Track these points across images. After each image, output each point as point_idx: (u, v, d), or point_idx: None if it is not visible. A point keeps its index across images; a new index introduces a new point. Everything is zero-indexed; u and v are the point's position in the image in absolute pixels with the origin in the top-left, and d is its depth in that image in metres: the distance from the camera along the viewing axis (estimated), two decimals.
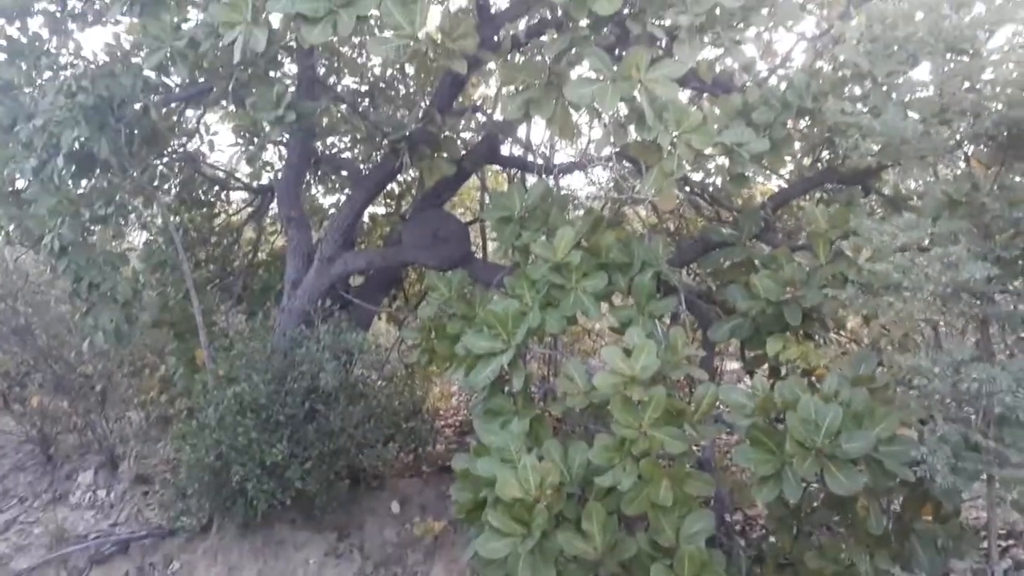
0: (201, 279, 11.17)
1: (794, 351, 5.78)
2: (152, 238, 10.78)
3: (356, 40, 10.01)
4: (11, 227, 9.05)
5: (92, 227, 8.62)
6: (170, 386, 10.19)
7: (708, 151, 5.74)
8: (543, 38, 8.19)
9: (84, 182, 8.69)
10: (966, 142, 4.67)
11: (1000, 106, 4.33)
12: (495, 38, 8.11)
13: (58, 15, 9.57)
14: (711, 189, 8.82)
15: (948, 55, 4.66)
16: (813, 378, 6.03)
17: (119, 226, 9.02)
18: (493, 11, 8.07)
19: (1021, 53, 4.40)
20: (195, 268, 11.35)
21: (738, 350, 8.22)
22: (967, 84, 4.59)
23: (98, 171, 8.47)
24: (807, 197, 7.98)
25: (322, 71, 10.00)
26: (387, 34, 5.94)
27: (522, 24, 8.45)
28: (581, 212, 7.81)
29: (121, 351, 9.89)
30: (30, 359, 10.50)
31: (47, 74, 9.45)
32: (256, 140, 9.48)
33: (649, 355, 5.36)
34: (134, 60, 9.28)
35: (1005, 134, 4.36)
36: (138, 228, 11.10)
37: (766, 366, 6.80)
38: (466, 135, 10.19)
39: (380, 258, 9.23)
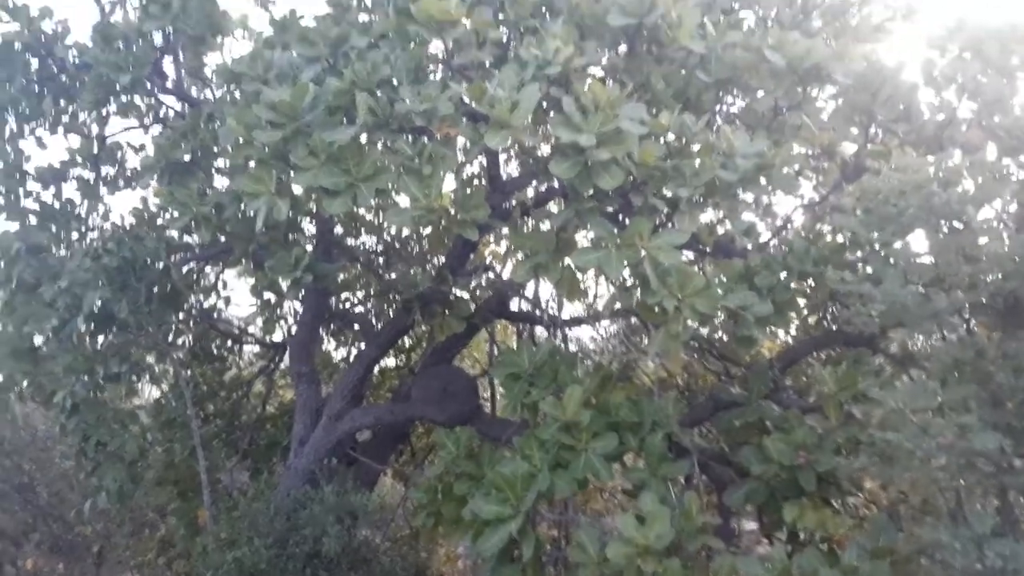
0: (208, 434, 11.10)
1: (811, 518, 5.61)
2: (163, 393, 10.84)
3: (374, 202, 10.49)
4: (25, 383, 9.16)
5: (105, 384, 8.71)
6: (169, 547, 9.89)
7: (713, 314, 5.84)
8: (551, 205, 8.60)
9: (101, 339, 8.89)
10: (965, 309, 4.76)
11: (996, 277, 4.46)
12: (505, 204, 8.51)
13: (91, 181, 10.17)
14: (718, 344, 8.88)
15: (942, 224, 4.84)
16: (833, 544, 5.82)
17: (132, 383, 9.12)
18: (504, 179, 8.53)
19: (1012, 226, 4.58)
20: (203, 423, 11.30)
21: (755, 510, 7.98)
22: (962, 255, 4.74)
23: (115, 329, 8.65)
24: (815, 355, 8.02)
25: (339, 229, 10.40)
26: (404, 204, 6.28)
27: (530, 191, 8.91)
28: (590, 366, 7.85)
29: (122, 511, 9.69)
30: (29, 518, 10.29)
31: (75, 235, 9.91)
32: (273, 299, 9.78)
33: (663, 523, 5.23)
34: (159, 222, 9.78)
35: (1002, 303, 4.46)
36: (150, 383, 11.20)
37: (784, 530, 6.58)
38: (476, 290, 10.44)
39: (388, 414, 9.21)
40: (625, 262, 5.69)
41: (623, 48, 6.60)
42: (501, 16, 6.51)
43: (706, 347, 9.11)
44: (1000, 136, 5.69)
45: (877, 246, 5.71)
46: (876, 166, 6.22)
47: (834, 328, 7.24)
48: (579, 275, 6.62)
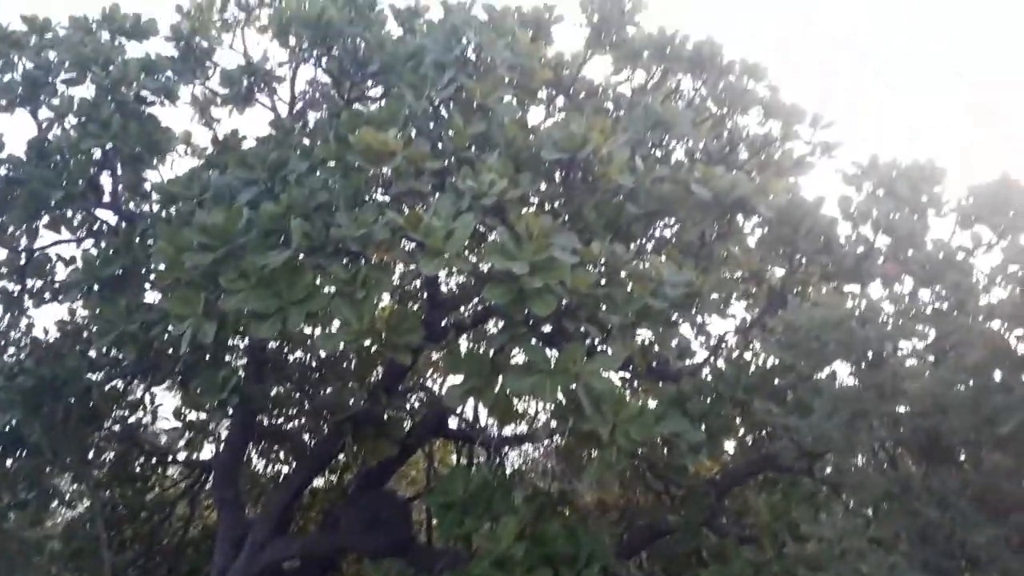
0: (123, 562, 10.40)
1: None
2: (76, 516, 10.18)
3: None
4: None
5: (10, 511, 8.14)
6: None
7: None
8: (488, 324, 8.62)
9: (9, 462, 8.36)
10: (888, 443, 4.83)
11: (915, 413, 4.56)
12: (442, 322, 8.49)
13: (15, 294, 9.82)
14: (656, 465, 8.79)
15: (862, 360, 4.97)
16: None
17: (40, 510, 8.53)
18: (442, 296, 8.55)
19: (928, 364, 4.73)
20: (120, 549, 10.61)
21: None
22: (882, 391, 4.86)
23: (26, 452, 8.15)
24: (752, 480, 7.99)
25: (272, 344, 10.18)
26: (335, 328, 6.19)
27: (467, 308, 8.93)
28: (526, 491, 7.67)
29: None
30: None
31: None
32: (199, 416, 9.40)
33: None
34: (84, 335, 9.42)
35: (924, 438, 4.54)
36: (63, 508, 10.51)
37: None
38: (412, 408, 10.23)
39: (315, 544, 8.78)
40: (559, 387, 5.66)
41: (557, 179, 6.81)
42: (440, 146, 6.68)
43: (643, 468, 9.01)
44: (914, 269, 5.97)
45: (804, 373, 5.83)
46: (800, 294, 6.43)
47: (766, 452, 7.25)
48: (514, 398, 6.56)
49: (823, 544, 4.53)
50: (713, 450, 6.13)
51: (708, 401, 6.20)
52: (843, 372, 5.79)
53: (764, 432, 7.32)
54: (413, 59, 7.47)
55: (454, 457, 12.14)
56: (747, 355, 7.44)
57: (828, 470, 6.99)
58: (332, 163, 6.74)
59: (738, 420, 6.63)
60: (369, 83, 8.80)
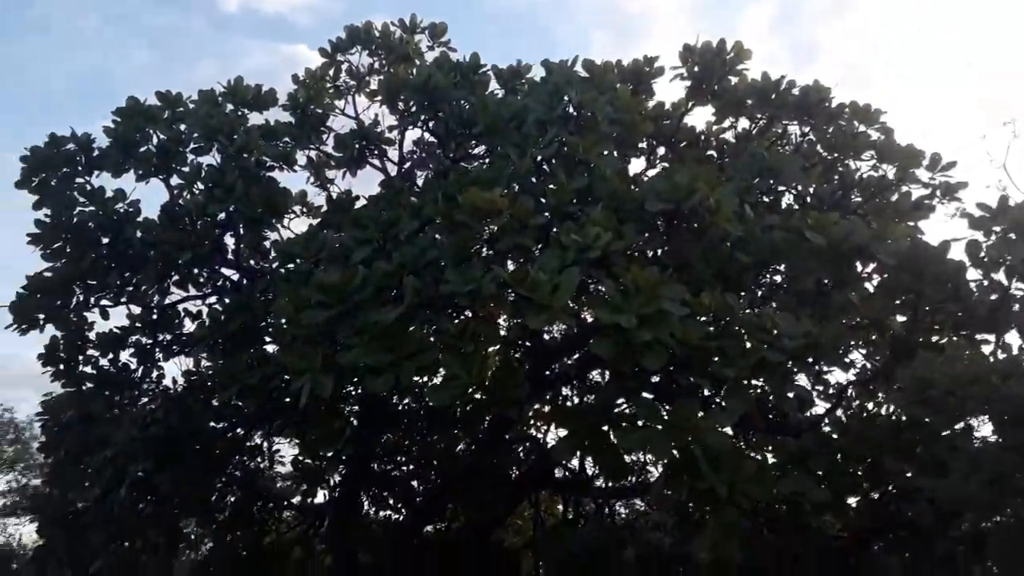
0: None
1: None
2: (200, 559, 10.60)
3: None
4: (63, 551, 9.05)
5: (143, 555, 8.57)
6: None
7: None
8: (593, 373, 8.55)
9: (141, 507, 8.82)
10: None
11: None
12: (546, 372, 8.48)
13: (148, 347, 10.49)
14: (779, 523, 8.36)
15: (1005, 417, 4.63)
16: None
17: (169, 553, 8.95)
18: (545, 349, 8.54)
19: None
20: None
21: None
22: None
23: (156, 499, 8.60)
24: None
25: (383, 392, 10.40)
26: (444, 382, 6.28)
27: (570, 360, 8.89)
28: (638, 548, 7.46)
29: None
30: None
31: (125, 401, 10.09)
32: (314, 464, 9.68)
33: None
34: (208, 385, 9.92)
35: None
36: (187, 551, 10.99)
37: None
38: (519, 458, 10.20)
39: None
40: (672, 444, 5.52)
41: (661, 230, 6.74)
42: (543, 201, 6.76)
43: (762, 525, 8.60)
44: None
45: (939, 432, 5.46)
46: (926, 344, 6.08)
47: (895, 511, 6.79)
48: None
49: None
50: (838, 509, 5.80)
51: (832, 457, 5.88)
52: (980, 429, 5.43)
53: (892, 489, 6.86)
54: (515, 119, 7.64)
55: (560, 507, 11.99)
56: (871, 407, 7.03)
57: (965, 528, 6.51)
58: (439, 221, 6.93)
59: (864, 478, 6.25)
60: (473, 143, 9.07)
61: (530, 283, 5.63)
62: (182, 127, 9.18)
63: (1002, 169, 7.33)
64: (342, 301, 6.23)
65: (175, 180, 9.23)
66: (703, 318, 5.92)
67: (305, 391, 6.30)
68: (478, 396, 6.16)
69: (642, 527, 8.91)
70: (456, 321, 6.19)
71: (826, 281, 6.72)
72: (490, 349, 6.22)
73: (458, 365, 5.92)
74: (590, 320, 7.16)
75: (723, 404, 5.80)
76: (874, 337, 7.04)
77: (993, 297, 5.90)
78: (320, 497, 11.25)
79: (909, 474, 5.31)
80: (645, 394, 5.97)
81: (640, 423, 5.81)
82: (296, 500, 12.13)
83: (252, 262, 10.33)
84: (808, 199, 7.48)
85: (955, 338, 6.10)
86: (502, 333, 6.97)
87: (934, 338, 6.26)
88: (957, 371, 4.62)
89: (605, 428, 6.11)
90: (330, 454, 7.53)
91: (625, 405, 6.16)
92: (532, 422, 10.76)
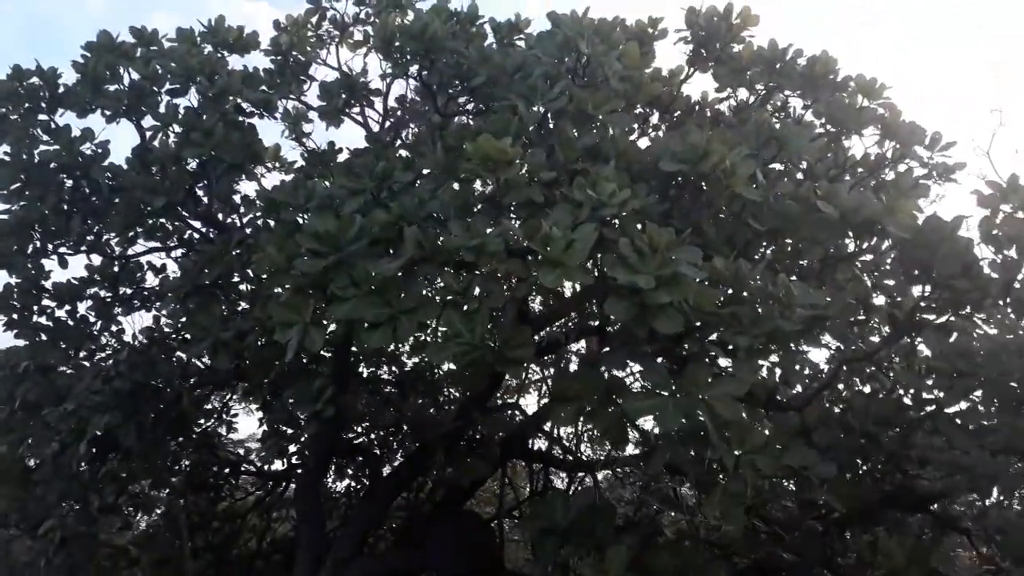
0: (196, 570, 10.32)
1: None
2: (153, 523, 10.16)
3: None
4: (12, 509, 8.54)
5: (99, 516, 8.10)
6: None
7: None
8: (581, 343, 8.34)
9: (98, 466, 8.34)
10: None
11: None
12: (535, 338, 8.23)
13: (107, 300, 9.92)
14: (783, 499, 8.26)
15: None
16: None
17: (127, 515, 8.51)
18: (531, 315, 8.30)
19: None
20: (193, 558, 10.54)
21: None
22: None
23: (118, 457, 8.14)
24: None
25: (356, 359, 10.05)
26: (445, 340, 5.98)
27: (560, 327, 8.68)
28: (623, 520, 7.32)
29: None
30: None
31: (83, 355, 9.55)
32: (286, 431, 9.31)
33: None
34: (171, 344, 9.44)
35: None
36: (141, 514, 10.52)
37: None
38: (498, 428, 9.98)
39: (400, 562, 8.52)
40: (683, 413, 5.34)
41: (671, 193, 6.54)
42: (549, 157, 6.48)
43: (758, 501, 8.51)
44: None
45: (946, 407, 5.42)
46: (934, 321, 6.02)
47: (890, 489, 6.78)
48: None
49: None
50: (844, 486, 5.72)
51: (835, 433, 5.80)
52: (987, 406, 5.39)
53: (893, 466, 6.84)
54: (520, 71, 7.34)
55: (527, 479, 11.84)
56: (873, 384, 6.99)
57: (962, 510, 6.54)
58: (440, 173, 6.61)
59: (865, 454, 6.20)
60: (466, 98, 8.72)
61: (543, 238, 5.36)
62: (158, 67, 8.59)
63: (985, 157, 7.28)
64: (337, 251, 5.87)
65: (148, 122, 8.65)
66: (718, 285, 5.75)
67: (292, 345, 5.94)
68: (480, 356, 5.89)
69: (633, 499, 8.78)
70: (459, 277, 5.88)
71: (831, 251, 6.61)
72: (494, 307, 5.92)
73: (462, 322, 5.63)
74: (579, 288, 6.94)
75: (733, 373, 5.66)
76: (880, 314, 6.95)
77: (1006, 275, 5.86)
78: (278, 464, 10.89)
79: (912, 450, 5.23)
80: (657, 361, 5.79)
81: (649, 390, 5.64)
82: (254, 466, 11.76)
83: (221, 216, 9.82)
84: (800, 174, 7.35)
85: (962, 316, 6.05)
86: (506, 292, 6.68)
87: (943, 316, 6.20)
88: (965, 346, 4.54)
89: (612, 395, 5.94)
90: (310, 415, 7.15)
91: (632, 372, 5.99)
92: (512, 391, 10.58)
